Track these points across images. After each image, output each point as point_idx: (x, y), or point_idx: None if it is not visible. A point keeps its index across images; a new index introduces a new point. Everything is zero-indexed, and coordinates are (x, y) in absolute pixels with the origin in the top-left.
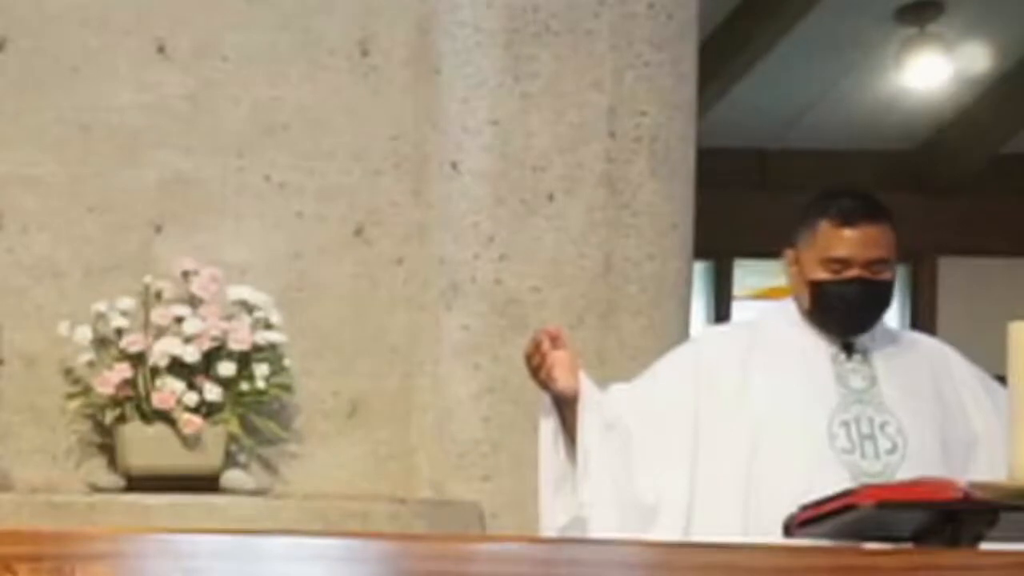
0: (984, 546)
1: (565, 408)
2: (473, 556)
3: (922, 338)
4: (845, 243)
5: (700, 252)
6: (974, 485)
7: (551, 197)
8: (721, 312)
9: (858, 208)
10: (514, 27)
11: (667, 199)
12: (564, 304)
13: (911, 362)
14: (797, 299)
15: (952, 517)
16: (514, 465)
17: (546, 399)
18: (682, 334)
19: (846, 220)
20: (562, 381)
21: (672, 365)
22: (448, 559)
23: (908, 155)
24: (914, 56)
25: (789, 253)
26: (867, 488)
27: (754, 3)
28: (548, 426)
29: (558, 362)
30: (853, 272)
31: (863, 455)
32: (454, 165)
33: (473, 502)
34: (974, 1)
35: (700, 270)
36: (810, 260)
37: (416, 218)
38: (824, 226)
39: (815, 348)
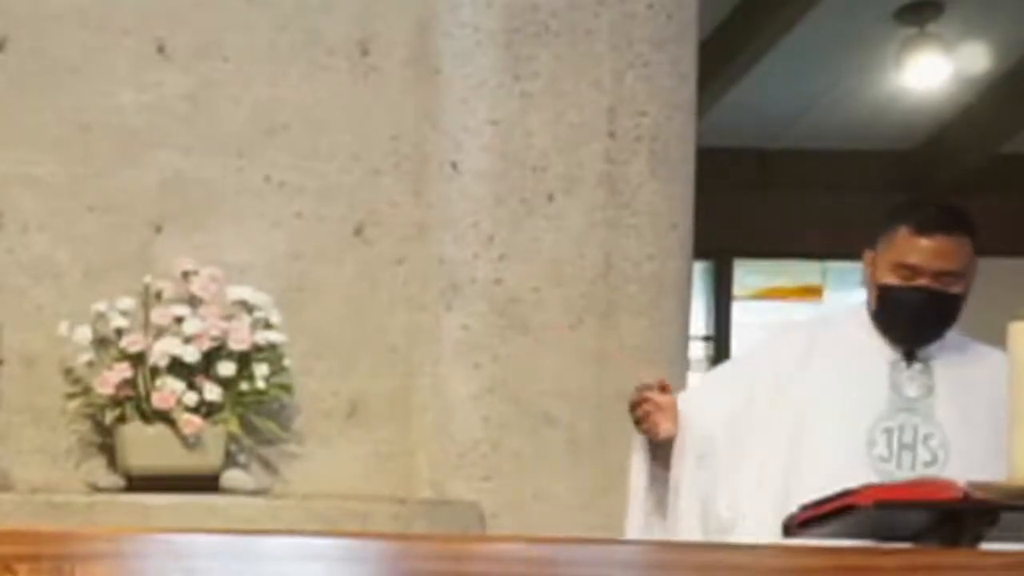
0: (984, 546)
1: (658, 447)
2: (473, 556)
3: (992, 351)
4: (918, 251)
5: (700, 252)
6: (974, 485)
7: (551, 197)
8: (721, 312)
9: (937, 218)
10: (514, 27)
11: (667, 199)
12: (564, 304)
13: (975, 376)
14: (868, 302)
15: (952, 517)
16: (514, 465)
17: (639, 437)
18: (682, 334)
19: (922, 229)
20: (664, 431)
21: (740, 375)
22: (448, 559)
23: (908, 155)
24: (914, 56)
25: (868, 254)
26: (867, 488)
27: (754, 3)
28: (641, 463)
29: (663, 410)
30: (921, 281)
31: (899, 465)
32: (454, 165)
33: (473, 502)
34: (974, 1)
35: (700, 270)
36: (883, 264)
37: (416, 218)
38: (902, 232)
39: (876, 351)
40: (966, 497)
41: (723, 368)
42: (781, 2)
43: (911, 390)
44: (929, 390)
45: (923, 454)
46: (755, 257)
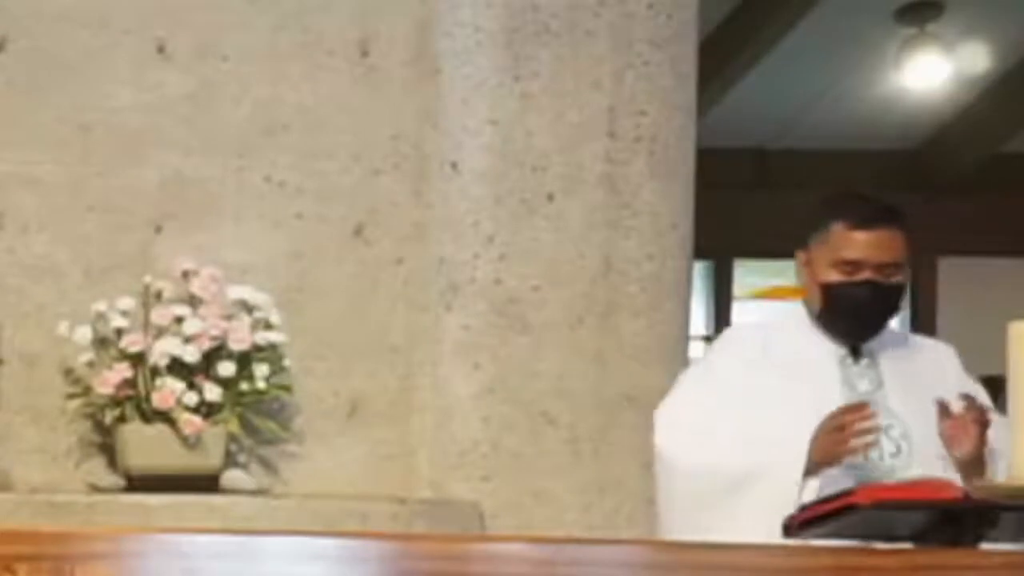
0: (984, 546)
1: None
2: (473, 556)
3: (928, 341)
4: (858, 245)
5: (700, 252)
6: (974, 485)
7: (551, 197)
8: (721, 312)
9: (873, 211)
10: (514, 27)
11: (667, 199)
12: (564, 304)
13: (917, 366)
14: (807, 301)
15: (952, 517)
16: (514, 465)
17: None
18: (682, 334)
19: (860, 223)
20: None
21: (722, 388)
22: (448, 559)
23: (908, 155)
24: (914, 56)
25: (800, 255)
26: (867, 488)
27: (754, 3)
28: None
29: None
30: (865, 275)
31: (866, 458)
32: (454, 165)
33: (473, 502)
34: (974, 1)
35: (700, 270)
36: (822, 262)
37: (416, 218)
38: (838, 228)
39: (823, 351)
40: (966, 497)
41: (705, 387)
42: (781, 2)
43: (862, 385)
44: (879, 383)
45: (888, 445)
46: (755, 257)
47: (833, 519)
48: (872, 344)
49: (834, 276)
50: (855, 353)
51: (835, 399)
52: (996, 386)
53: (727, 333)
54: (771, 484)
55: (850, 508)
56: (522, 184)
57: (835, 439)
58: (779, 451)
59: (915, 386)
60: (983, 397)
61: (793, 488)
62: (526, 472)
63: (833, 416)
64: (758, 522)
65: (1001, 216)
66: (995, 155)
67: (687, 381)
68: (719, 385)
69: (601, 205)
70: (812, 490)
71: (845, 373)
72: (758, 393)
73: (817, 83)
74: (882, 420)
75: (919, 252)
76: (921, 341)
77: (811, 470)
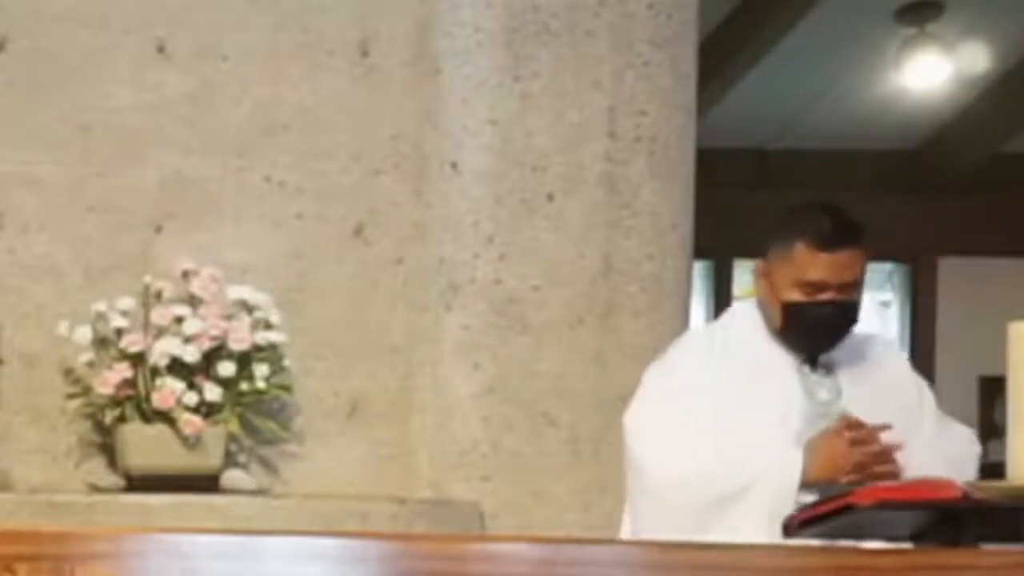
0: (984, 546)
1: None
2: (473, 556)
3: (876, 338)
4: (822, 267)
5: (700, 252)
6: (974, 485)
7: (551, 197)
8: (721, 312)
9: (836, 232)
10: (514, 27)
11: (667, 199)
12: (564, 304)
13: (873, 369)
14: (763, 308)
15: (952, 517)
16: (514, 465)
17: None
18: (682, 334)
19: (824, 244)
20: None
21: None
22: (448, 559)
23: (908, 155)
24: (914, 56)
25: (760, 265)
26: (867, 488)
27: (754, 3)
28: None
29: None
30: (827, 295)
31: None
32: (454, 165)
33: (473, 502)
34: (974, 1)
35: (700, 270)
36: (783, 279)
37: (416, 218)
38: (800, 247)
39: (781, 359)
40: (966, 497)
41: (673, 395)
42: (781, 2)
43: (822, 394)
44: (838, 392)
45: None
46: (755, 257)
47: (833, 519)
48: (830, 351)
49: (795, 295)
50: (812, 362)
51: (798, 410)
52: (996, 386)
53: (685, 338)
54: (758, 499)
55: (850, 508)
56: (522, 184)
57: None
58: (759, 465)
59: (872, 392)
60: (930, 396)
61: (782, 499)
62: (526, 472)
63: (839, 435)
64: (744, 535)
65: (1001, 216)
66: (995, 155)
67: (656, 388)
68: (687, 393)
69: (601, 205)
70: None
71: (804, 382)
72: (724, 402)
73: (817, 83)
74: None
75: (919, 252)
76: (870, 340)
77: (805, 484)
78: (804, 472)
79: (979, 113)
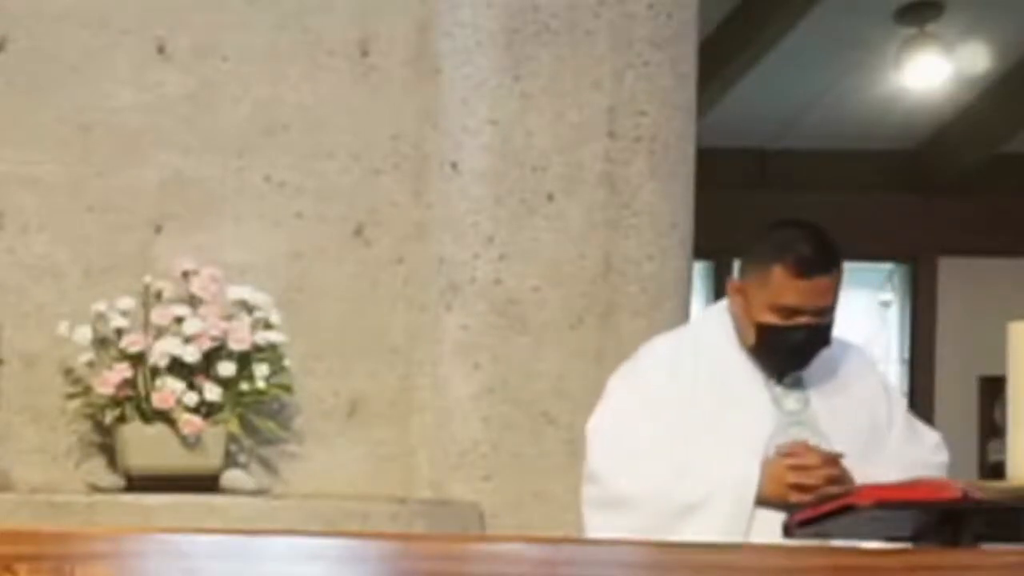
0: (984, 546)
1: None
2: (473, 556)
3: (844, 346)
4: (798, 293)
5: (700, 252)
6: (974, 485)
7: (551, 197)
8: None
9: (814, 258)
10: (514, 27)
11: (667, 199)
12: (564, 304)
13: (840, 377)
14: (736, 322)
15: (952, 517)
16: (514, 465)
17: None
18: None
19: (802, 271)
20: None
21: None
22: (448, 559)
23: (908, 155)
24: (914, 56)
25: (733, 283)
26: (867, 488)
27: (754, 3)
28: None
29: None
30: (802, 320)
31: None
32: (454, 165)
33: (473, 502)
34: (974, 1)
35: (700, 270)
36: (759, 300)
37: (416, 218)
38: (777, 272)
39: (752, 371)
40: (966, 497)
41: (637, 403)
42: (781, 2)
43: (789, 404)
44: (806, 402)
45: None
46: None
47: (832, 519)
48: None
49: (770, 318)
50: (780, 375)
51: (767, 420)
52: (996, 386)
53: (653, 343)
54: (715, 511)
55: (850, 508)
56: (522, 184)
57: (787, 487)
58: (719, 477)
59: (840, 399)
60: (898, 396)
61: (739, 514)
62: (526, 472)
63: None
64: None
65: (1001, 216)
66: (995, 155)
67: (620, 396)
68: (656, 404)
69: (601, 205)
70: (763, 521)
71: (772, 392)
72: (692, 413)
73: (817, 83)
74: (812, 439)
75: (919, 252)
76: (841, 350)
77: (760, 501)
78: (759, 490)
79: (979, 113)
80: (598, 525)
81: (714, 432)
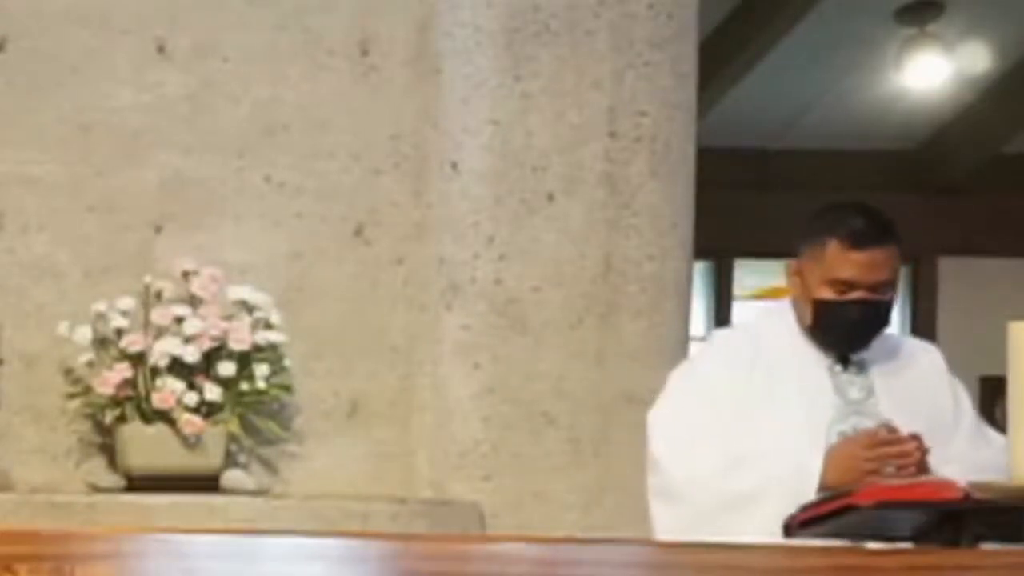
0: (984, 546)
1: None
2: (473, 556)
3: (915, 343)
4: (853, 266)
5: (700, 252)
6: (974, 485)
7: (551, 197)
8: (721, 312)
9: (868, 230)
10: (514, 27)
11: (667, 199)
12: (564, 304)
13: (906, 371)
14: (796, 306)
15: (952, 517)
16: (514, 465)
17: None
18: (682, 334)
19: (856, 243)
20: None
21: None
22: (448, 559)
23: (908, 155)
24: (914, 56)
25: (792, 264)
26: (867, 488)
27: (754, 3)
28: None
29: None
30: (858, 294)
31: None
32: (454, 165)
33: (473, 502)
34: (974, 1)
35: (700, 270)
36: (815, 277)
37: (416, 218)
38: (833, 245)
39: (813, 359)
40: (966, 497)
41: (698, 394)
42: (781, 2)
43: (853, 392)
44: (869, 391)
45: None
46: (755, 257)
47: (833, 519)
48: (861, 351)
49: (827, 293)
50: (844, 361)
51: (828, 407)
52: (996, 386)
53: (717, 337)
54: (775, 500)
55: (850, 508)
56: (522, 184)
57: (865, 469)
58: (776, 467)
59: (905, 392)
60: (966, 398)
61: (798, 504)
62: (526, 472)
63: (864, 445)
64: (757, 538)
65: (1001, 216)
66: (995, 155)
67: (679, 386)
68: (713, 393)
69: (601, 205)
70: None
71: (835, 381)
72: (750, 402)
73: (817, 83)
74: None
75: (919, 252)
76: (907, 343)
77: (822, 487)
78: (823, 477)
79: (979, 113)
80: (658, 514)
81: (773, 419)
